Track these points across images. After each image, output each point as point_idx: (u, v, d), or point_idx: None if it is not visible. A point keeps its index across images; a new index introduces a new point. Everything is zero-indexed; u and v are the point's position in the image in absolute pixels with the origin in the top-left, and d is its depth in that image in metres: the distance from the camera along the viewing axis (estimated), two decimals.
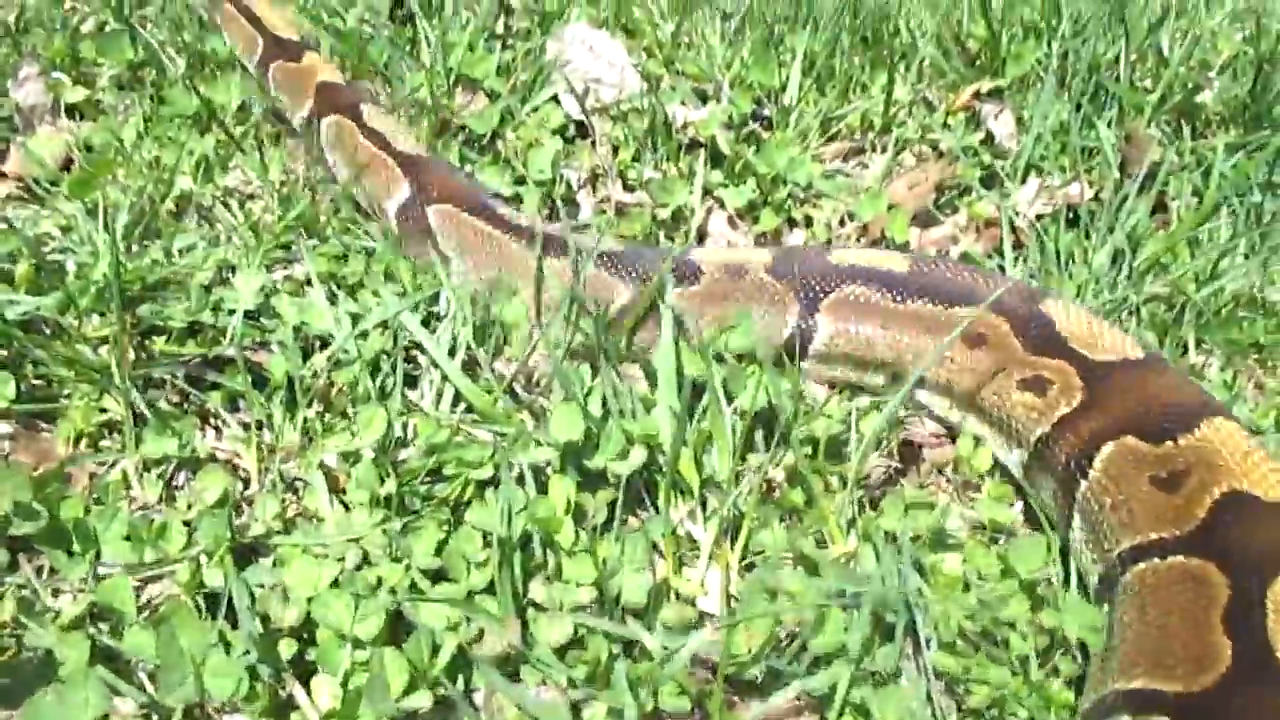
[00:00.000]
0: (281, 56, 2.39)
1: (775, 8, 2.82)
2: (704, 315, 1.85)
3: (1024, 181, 2.49)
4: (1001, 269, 2.20)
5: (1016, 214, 2.30)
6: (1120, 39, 2.78)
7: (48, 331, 1.73)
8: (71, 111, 2.18)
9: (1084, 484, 1.57)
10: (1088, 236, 2.26)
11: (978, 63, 2.90)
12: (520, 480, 1.53)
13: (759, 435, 1.70)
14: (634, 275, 1.86)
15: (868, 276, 1.86)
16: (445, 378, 1.72)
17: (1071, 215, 2.33)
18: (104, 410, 1.63)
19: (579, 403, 1.56)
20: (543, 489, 1.53)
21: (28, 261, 1.73)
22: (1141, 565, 1.42)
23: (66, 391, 1.66)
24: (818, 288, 1.86)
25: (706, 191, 2.31)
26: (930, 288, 1.83)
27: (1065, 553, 1.60)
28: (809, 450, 1.67)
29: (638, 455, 1.56)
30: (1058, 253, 2.21)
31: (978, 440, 1.80)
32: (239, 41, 2.49)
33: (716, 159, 2.38)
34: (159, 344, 1.71)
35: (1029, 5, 3.00)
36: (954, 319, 1.78)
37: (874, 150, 2.63)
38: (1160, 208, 2.46)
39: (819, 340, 1.86)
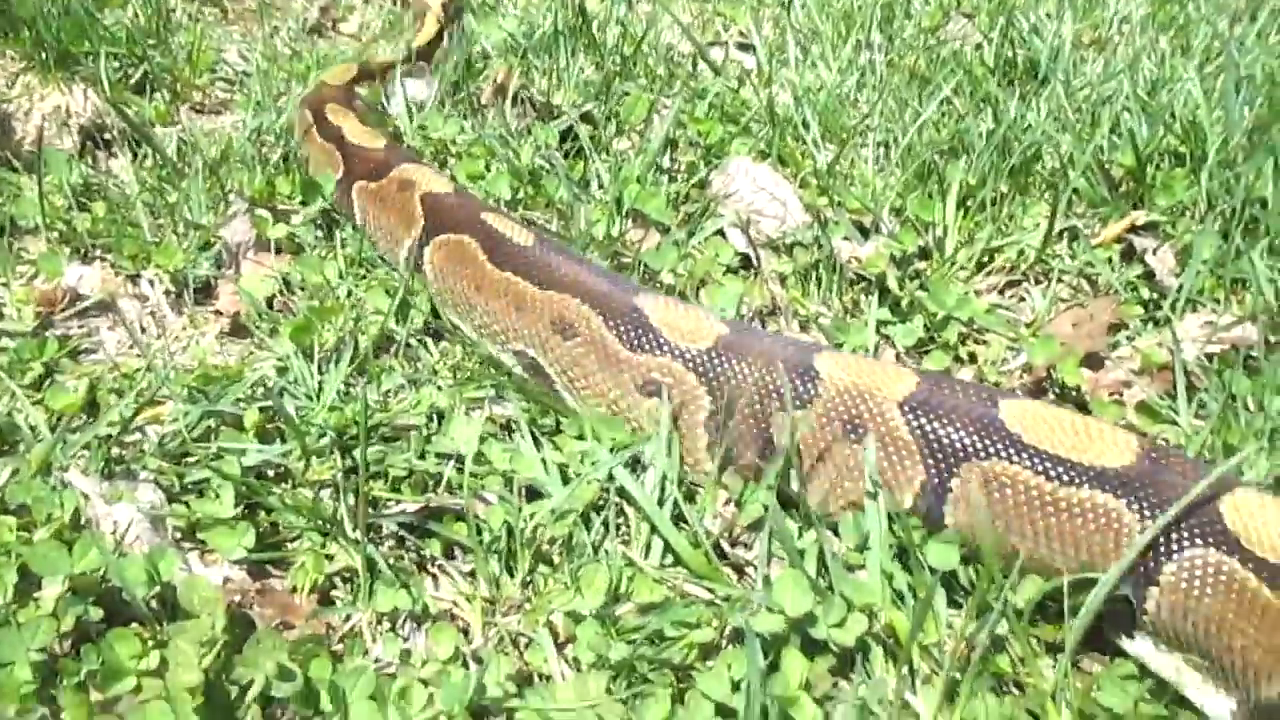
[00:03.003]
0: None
1: (926, 136, 2.87)
2: None
3: (1183, 318, 2.48)
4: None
5: (1179, 353, 2.29)
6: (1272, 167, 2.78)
7: (271, 476, 1.81)
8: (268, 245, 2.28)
9: None
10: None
11: (1120, 189, 2.92)
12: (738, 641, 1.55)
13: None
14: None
15: None
16: (654, 530, 1.76)
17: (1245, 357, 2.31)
18: (330, 558, 1.69)
19: (804, 572, 1.59)
20: (764, 652, 1.54)
21: (256, 409, 1.81)
22: None
23: (293, 536, 1.72)
24: None
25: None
26: None
27: None
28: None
29: (858, 623, 1.58)
30: (1233, 397, 2.19)
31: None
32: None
33: (880, 293, 2.42)
34: (377, 489, 1.78)
35: (1172, 133, 3.02)
36: None
37: (1027, 281, 2.65)
38: None
39: None
